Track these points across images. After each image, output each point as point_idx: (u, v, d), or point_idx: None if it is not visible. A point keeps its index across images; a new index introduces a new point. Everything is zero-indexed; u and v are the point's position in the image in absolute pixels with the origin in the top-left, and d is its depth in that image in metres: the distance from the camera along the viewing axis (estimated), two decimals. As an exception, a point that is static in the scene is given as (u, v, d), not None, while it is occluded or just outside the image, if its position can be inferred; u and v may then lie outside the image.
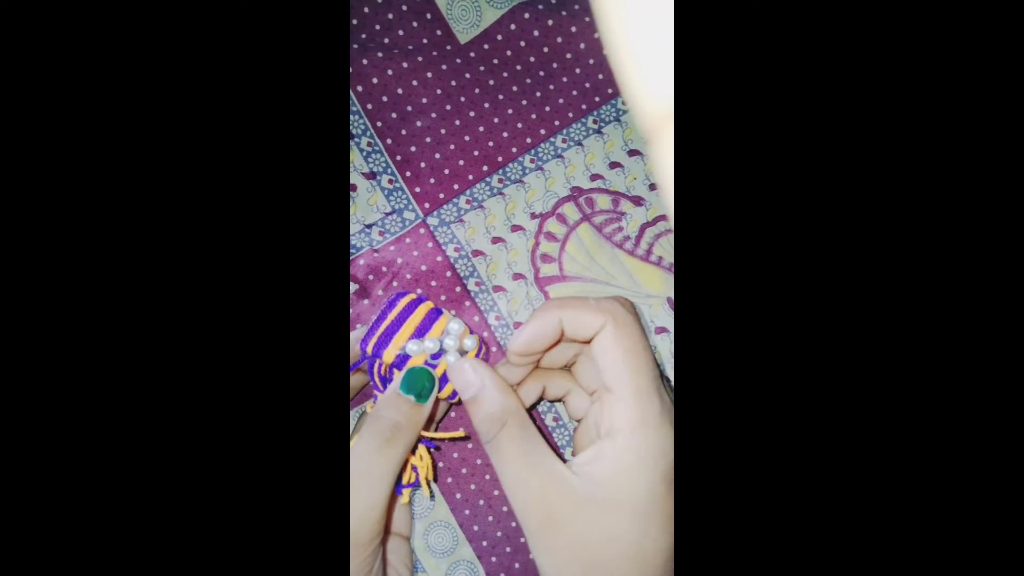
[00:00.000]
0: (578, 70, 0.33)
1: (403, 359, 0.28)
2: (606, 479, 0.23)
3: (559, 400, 0.31)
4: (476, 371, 0.26)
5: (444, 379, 0.28)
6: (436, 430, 0.33)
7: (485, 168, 0.33)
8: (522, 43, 0.33)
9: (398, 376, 0.28)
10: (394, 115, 0.33)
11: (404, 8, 0.33)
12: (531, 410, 0.33)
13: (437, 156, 0.33)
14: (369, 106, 0.33)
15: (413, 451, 0.29)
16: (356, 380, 0.31)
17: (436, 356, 0.28)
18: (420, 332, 0.28)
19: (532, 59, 0.33)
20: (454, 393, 0.29)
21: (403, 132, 0.33)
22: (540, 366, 0.29)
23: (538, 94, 0.33)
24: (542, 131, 0.34)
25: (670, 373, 0.33)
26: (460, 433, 0.31)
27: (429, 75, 0.33)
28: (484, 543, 0.33)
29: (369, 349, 0.28)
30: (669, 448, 0.24)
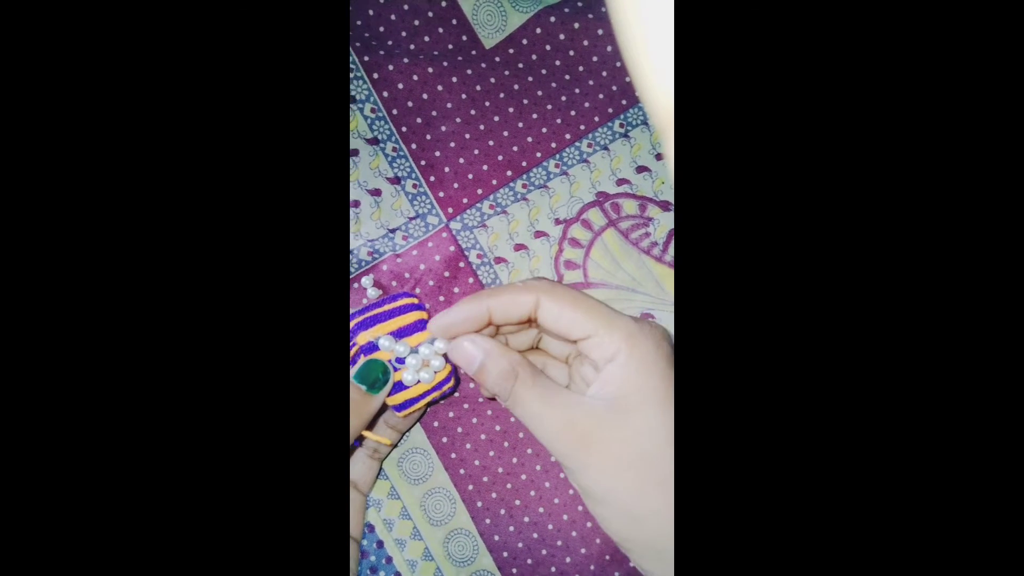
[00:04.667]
0: (604, 73, 0.33)
1: (372, 348, 0.28)
2: (622, 390, 0.25)
3: None
4: (474, 343, 0.28)
5: (398, 386, 0.29)
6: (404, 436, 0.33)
7: (509, 173, 0.33)
8: (548, 47, 0.33)
9: (358, 363, 0.28)
10: (419, 120, 0.33)
11: (430, 14, 0.33)
12: None
13: (461, 161, 0.33)
14: (394, 111, 0.33)
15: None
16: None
17: (401, 361, 0.29)
18: (401, 334, 0.29)
19: (558, 63, 0.33)
20: (405, 404, 0.29)
21: (428, 137, 0.33)
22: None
23: (564, 98, 0.33)
24: (567, 135, 0.33)
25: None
26: (387, 440, 0.31)
27: (454, 80, 0.33)
28: (505, 554, 0.33)
29: (350, 325, 0.29)
30: (661, 337, 0.26)
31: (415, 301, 0.30)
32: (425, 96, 0.33)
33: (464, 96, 0.33)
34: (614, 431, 0.25)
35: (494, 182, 0.33)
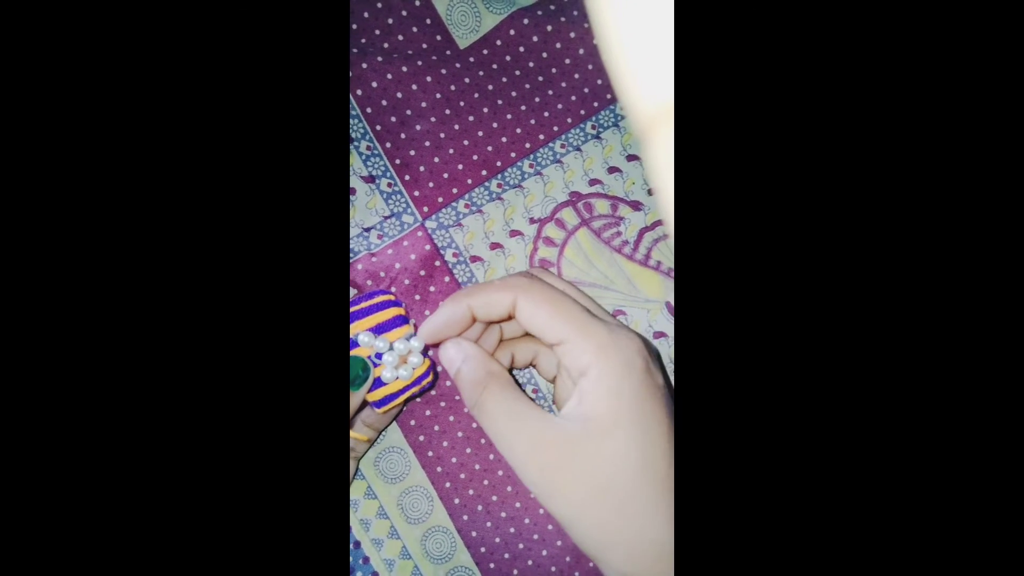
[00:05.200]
0: (577, 75, 0.34)
1: (351, 345, 0.28)
2: (595, 411, 0.24)
3: (530, 365, 0.31)
4: (457, 346, 0.28)
5: (377, 382, 0.29)
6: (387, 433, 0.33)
7: (484, 173, 0.34)
8: (521, 48, 0.33)
9: None
10: (393, 119, 0.33)
11: (404, 13, 0.33)
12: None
13: (436, 160, 0.33)
14: (368, 110, 0.33)
15: None
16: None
17: (380, 357, 0.29)
18: (379, 330, 0.29)
19: (531, 64, 0.34)
20: (384, 400, 0.29)
21: (402, 136, 0.33)
22: (504, 337, 0.30)
23: (537, 99, 0.34)
24: (541, 136, 0.34)
25: (672, 376, 0.33)
26: (363, 437, 0.31)
27: (428, 79, 0.33)
28: (482, 549, 0.33)
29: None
30: (634, 352, 0.25)
31: (392, 298, 0.30)
32: (399, 95, 0.33)
33: (439, 96, 0.33)
34: (582, 459, 0.24)
35: (469, 181, 0.33)
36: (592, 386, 0.25)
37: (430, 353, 0.32)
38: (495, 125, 0.33)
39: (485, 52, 0.33)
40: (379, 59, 0.32)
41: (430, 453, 0.33)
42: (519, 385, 0.27)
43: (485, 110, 0.33)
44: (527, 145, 0.34)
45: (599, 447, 0.24)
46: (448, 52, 0.33)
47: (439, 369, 0.33)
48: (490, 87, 0.33)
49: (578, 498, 0.24)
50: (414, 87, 0.33)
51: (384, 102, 0.33)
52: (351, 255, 0.33)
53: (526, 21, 0.33)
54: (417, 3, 0.33)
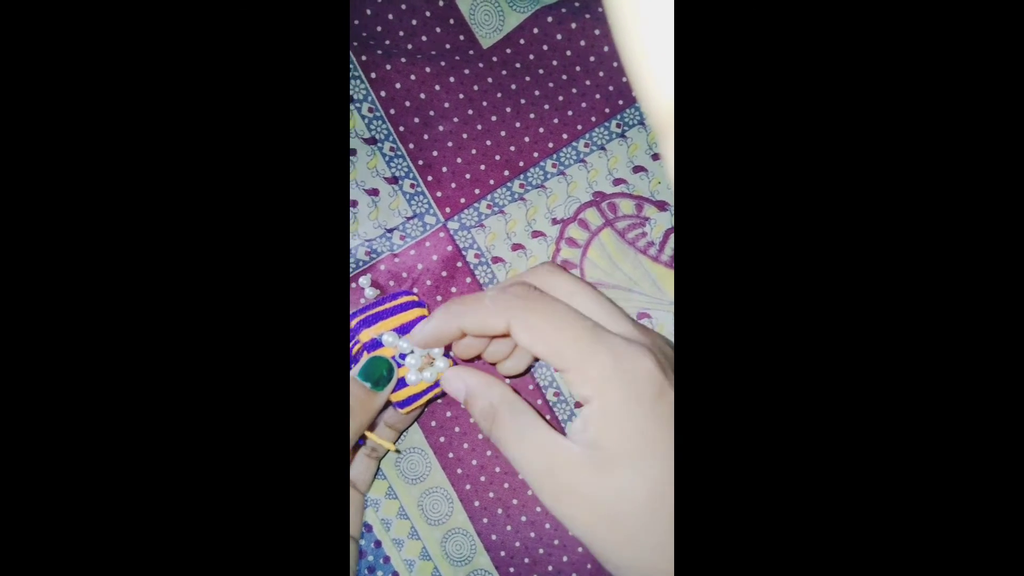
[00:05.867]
0: (601, 73, 0.33)
1: (375, 345, 0.28)
2: (599, 440, 0.24)
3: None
4: (459, 378, 0.28)
5: (401, 383, 0.29)
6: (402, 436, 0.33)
7: (506, 173, 0.33)
8: (545, 47, 0.33)
9: (362, 360, 0.28)
10: (416, 120, 0.33)
11: (427, 14, 0.33)
12: (526, 373, 0.33)
13: (459, 161, 0.33)
14: (392, 111, 0.33)
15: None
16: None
17: (404, 357, 0.29)
18: (403, 330, 0.29)
19: (555, 63, 0.33)
20: (408, 400, 0.29)
21: (425, 137, 0.33)
22: None
23: (560, 98, 0.33)
24: (564, 135, 0.33)
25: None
26: (391, 445, 0.31)
27: (451, 80, 0.33)
28: (502, 553, 0.33)
29: (352, 324, 0.29)
30: (644, 377, 0.24)
31: (415, 299, 0.30)
32: (423, 96, 0.33)
33: (462, 96, 0.33)
34: (589, 487, 0.24)
35: (491, 182, 0.33)
36: (595, 416, 0.24)
37: (453, 355, 0.32)
38: (518, 125, 0.33)
39: (508, 51, 0.33)
40: (402, 60, 0.32)
41: (451, 455, 0.33)
42: (531, 401, 0.27)
43: (508, 110, 0.33)
44: (550, 145, 0.33)
45: (605, 479, 0.24)
46: (471, 52, 0.33)
47: None
48: (513, 86, 0.33)
49: (588, 522, 0.24)
50: (437, 88, 0.33)
51: (407, 103, 0.33)
52: (374, 256, 0.33)
53: (550, 19, 0.33)
54: (441, 3, 0.33)
